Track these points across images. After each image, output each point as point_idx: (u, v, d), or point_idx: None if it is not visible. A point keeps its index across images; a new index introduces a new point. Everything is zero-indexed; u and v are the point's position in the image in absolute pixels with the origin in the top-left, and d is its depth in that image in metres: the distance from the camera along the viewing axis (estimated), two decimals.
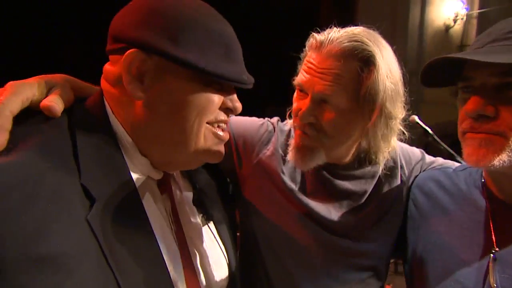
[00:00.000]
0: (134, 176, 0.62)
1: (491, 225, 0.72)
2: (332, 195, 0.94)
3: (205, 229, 0.76)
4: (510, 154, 0.62)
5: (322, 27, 0.90)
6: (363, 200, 0.94)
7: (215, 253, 0.76)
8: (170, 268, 0.62)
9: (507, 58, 0.58)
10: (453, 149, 1.65)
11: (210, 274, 0.72)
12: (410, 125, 0.98)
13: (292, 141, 0.93)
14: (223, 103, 0.66)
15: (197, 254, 0.71)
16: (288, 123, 1.02)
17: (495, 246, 0.70)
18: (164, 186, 0.70)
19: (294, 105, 0.91)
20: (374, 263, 0.95)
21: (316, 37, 0.86)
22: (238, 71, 0.65)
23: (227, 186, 0.98)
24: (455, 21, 4.83)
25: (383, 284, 1.00)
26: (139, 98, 0.60)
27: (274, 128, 1.03)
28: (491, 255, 0.69)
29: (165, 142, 0.65)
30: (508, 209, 0.72)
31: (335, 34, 0.84)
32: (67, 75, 0.68)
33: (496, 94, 0.64)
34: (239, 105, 0.69)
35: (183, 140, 0.64)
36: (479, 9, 5.08)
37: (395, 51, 0.89)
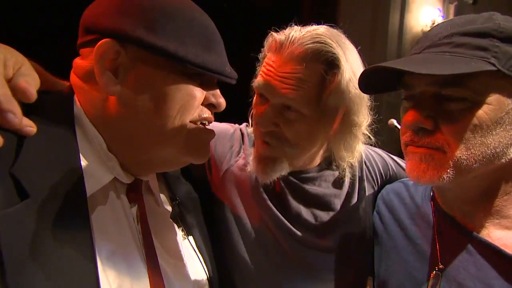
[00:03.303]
0: (93, 178, 0.56)
1: (437, 240, 0.70)
2: (302, 201, 0.90)
3: (185, 243, 0.72)
4: (449, 170, 0.59)
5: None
6: (333, 206, 0.91)
7: (194, 269, 0.72)
8: (128, 284, 0.56)
9: (439, 69, 0.55)
10: None
11: None
12: (375, 128, 0.94)
13: (253, 151, 0.88)
14: (205, 98, 0.63)
15: (168, 269, 0.66)
16: None
17: (439, 261, 0.67)
18: (133, 194, 0.65)
19: (254, 111, 0.86)
20: (346, 279, 0.90)
21: (276, 37, 0.81)
22: (221, 63, 0.62)
23: (207, 197, 0.94)
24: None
25: None
26: (113, 92, 0.56)
27: (243, 136, 0.99)
28: (434, 271, 0.67)
29: (142, 141, 0.60)
30: (452, 222, 0.70)
31: (296, 34, 0.77)
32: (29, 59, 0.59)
33: (435, 106, 0.61)
34: (222, 101, 0.66)
35: (164, 139, 0.60)
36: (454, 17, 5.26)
37: (359, 52, 0.84)
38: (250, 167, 0.88)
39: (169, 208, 0.74)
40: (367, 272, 0.92)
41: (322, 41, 0.76)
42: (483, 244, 0.65)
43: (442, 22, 0.65)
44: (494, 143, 0.58)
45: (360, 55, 0.85)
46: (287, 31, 0.81)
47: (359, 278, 0.93)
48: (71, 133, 0.57)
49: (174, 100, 0.58)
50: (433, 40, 0.61)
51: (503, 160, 0.60)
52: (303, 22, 0.85)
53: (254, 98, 0.88)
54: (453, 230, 0.70)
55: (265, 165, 0.82)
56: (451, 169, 0.59)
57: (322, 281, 0.88)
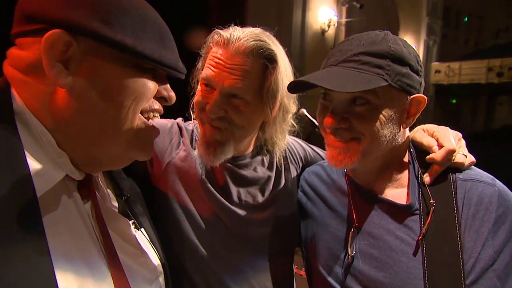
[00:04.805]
0: (43, 177, 0.53)
1: (352, 205, 0.88)
2: (241, 185, 0.98)
3: (138, 235, 0.72)
4: (359, 156, 0.80)
5: (212, 28, 0.91)
6: (267, 186, 1.01)
7: (150, 258, 0.72)
8: (90, 281, 0.55)
9: (350, 87, 0.72)
10: None
11: (147, 282, 0.69)
12: (298, 117, 1.09)
13: (199, 137, 0.93)
14: (158, 91, 0.64)
15: (128, 261, 0.65)
16: (191, 123, 1.02)
17: (355, 221, 0.85)
18: (85, 190, 0.63)
19: (199, 99, 0.91)
20: (281, 247, 1.02)
21: (222, 34, 0.87)
22: (174, 59, 0.63)
23: (148, 192, 0.94)
24: (329, 26, 5.57)
25: (291, 266, 1.08)
26: (64, 85, 0.53)
27: (181, 129, 1.02)
28: (352, 228, 0.84)
29: (95, 133, 0.58)
30: (362, 189, 0.90)
31: (240, 33, 0.87)
32: None
33: (348, 108, 0.77)
34: (173, 94, 0.67)
35: (117, 130, 0.59)
36: (345, 18, 5.97)
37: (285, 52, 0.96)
38: (197, 152, 0.92)
39: (116, 204, 0.73)
40: (294, 241, 1.06)
41: (262, 40, 0.86)
42: (382, 201, 0.86)
43: (352, 38, 0.81)
44: (388, 133, 0.78)
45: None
46: (230, 29, 0.88)
47: (288, 245, 1.07)
48: (12, 130, 0.52)
49: (129, 91, 0.58)
50: (346, 56, 0.77)
51: (393, 144, 0.82)
52: (212, 20, 0.94)
53: (199, 88, 0.92)
54: (363, 195, 0.88)
55: (214, 149, 0.88)
56: (360, 155, 0.79)
57: (260, 250, 0.99)
